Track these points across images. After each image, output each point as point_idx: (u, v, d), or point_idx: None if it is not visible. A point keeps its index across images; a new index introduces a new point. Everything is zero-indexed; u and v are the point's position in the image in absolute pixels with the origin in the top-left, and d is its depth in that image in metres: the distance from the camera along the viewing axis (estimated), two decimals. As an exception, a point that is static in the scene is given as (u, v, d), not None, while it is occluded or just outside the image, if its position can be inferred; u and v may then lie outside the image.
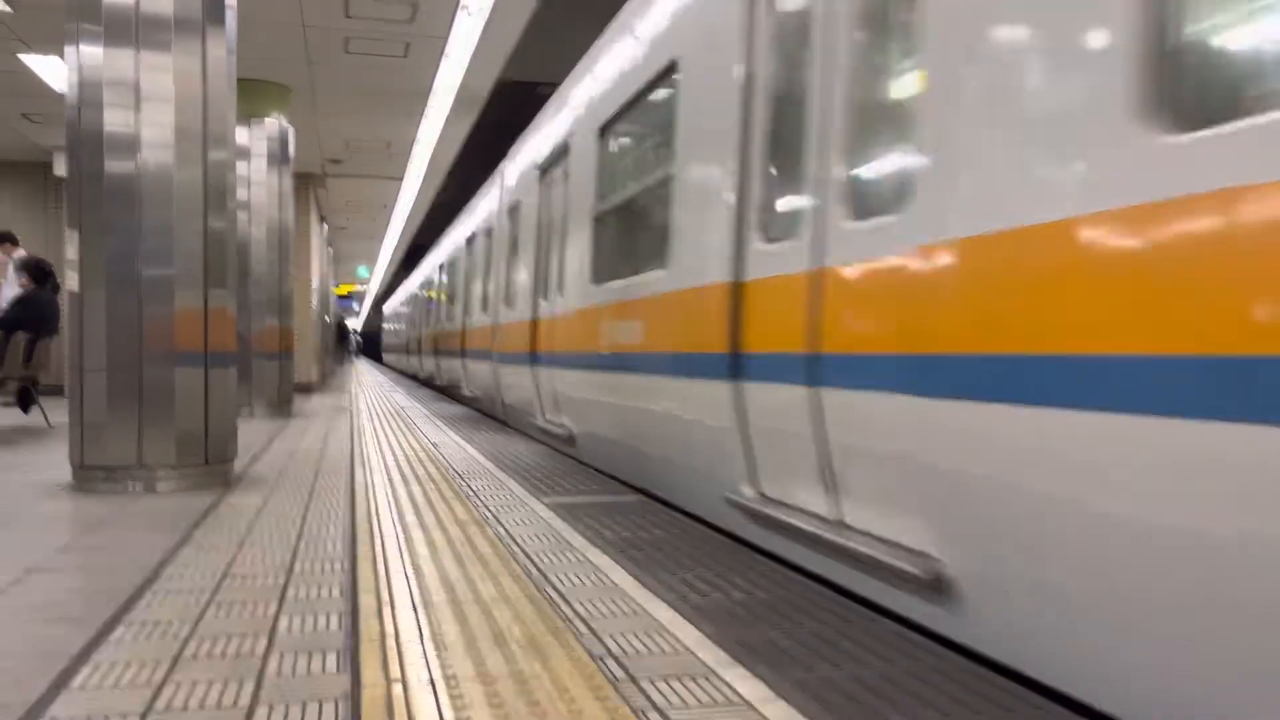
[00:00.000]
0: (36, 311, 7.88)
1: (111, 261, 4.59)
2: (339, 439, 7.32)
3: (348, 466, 5.64)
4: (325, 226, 19.26)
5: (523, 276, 8.30)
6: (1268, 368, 1.57)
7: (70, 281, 4.70)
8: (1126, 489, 1.87)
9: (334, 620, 2.52)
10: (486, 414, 10.37)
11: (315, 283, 15.78)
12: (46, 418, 8.12)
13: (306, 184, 14.20)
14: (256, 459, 6.03)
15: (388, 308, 39.24)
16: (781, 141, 3.47)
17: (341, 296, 36.45)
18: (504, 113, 11.51)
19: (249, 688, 2.01)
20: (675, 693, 2.01)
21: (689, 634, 2.42)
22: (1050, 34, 2.11)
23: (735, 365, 3.59)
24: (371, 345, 56.91)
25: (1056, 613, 2.10)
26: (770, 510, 3.34)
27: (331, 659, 2.21)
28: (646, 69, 4.95)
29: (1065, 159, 2.05)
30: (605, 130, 5.83)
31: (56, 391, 9.31)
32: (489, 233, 10.78)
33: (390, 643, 2.31)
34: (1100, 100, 1.94)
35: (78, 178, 4.64)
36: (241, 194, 8.87)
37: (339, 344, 33.27)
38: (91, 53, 4.57)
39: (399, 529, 3.72)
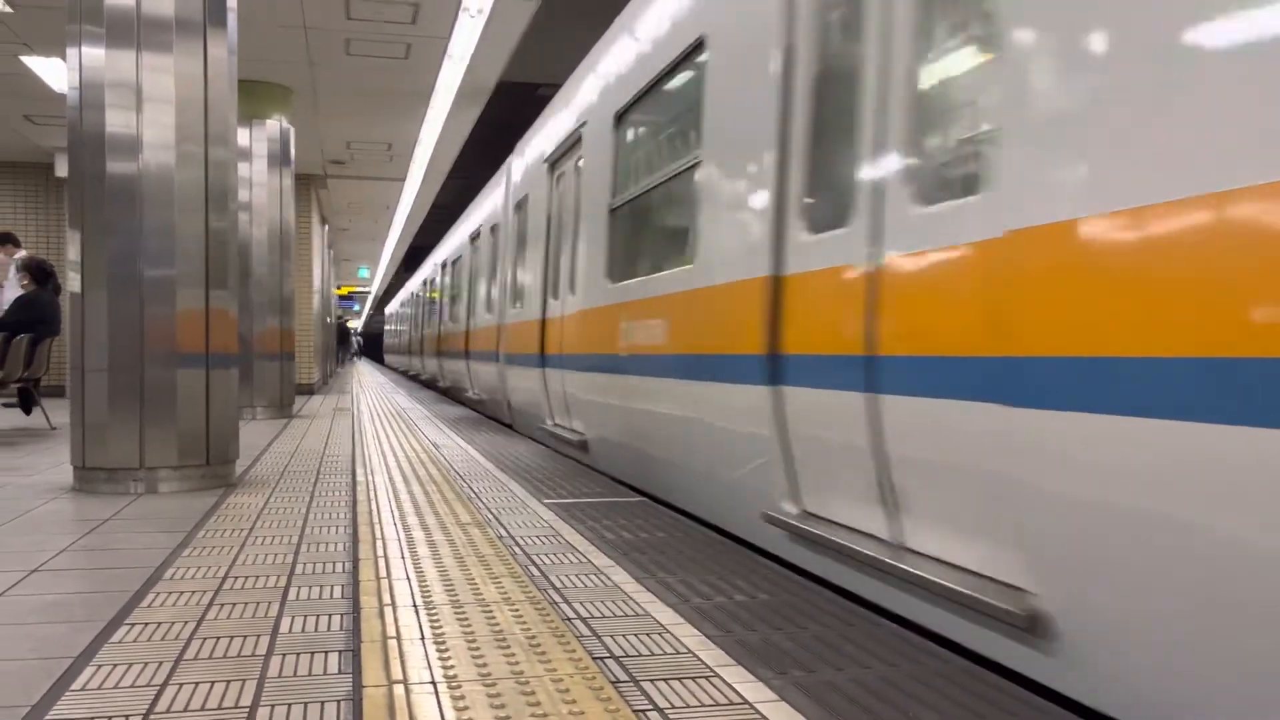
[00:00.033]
0: (38, 313, 7.90)
1: (113, 262, 4.60)
2: (340, 440, 7.32)
3: (349, 467, 5.64)
4: (326, 228, 19.27)
5: (531, 275, 8.05)
6: None
7: (72, 282, 4.71)
8: None
9: (336, 621, 2.52)
10: (492, 417, 10.23)
11: (316, 284, 15.79)
12: (48, 419, 8.13)
13: (308, 185, 14.21)
14: (258, 460, 6.03)
15: (389, 308, 39.27)
16: (830, 120, 3.17)
17: (343, 297, 36.50)
18: (505, 113, 11.54)
19: (251, 688, 2.01)
20: (676, 694, 2.01)
21: (690, 635, 2.41)
22: None
23: (774, 368, 3.31)
24: (373, 346, 56.97)
25: (1194, 662, 1.77)
26: (816, 529, 3.06)
27: (333, 660, 2.21)
28: (669, 48, 4.65)
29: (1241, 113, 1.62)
30: (622, 117, 5.54)
31: (58, 393, 9.32)
32: (495, 229, 10.47)
33: (392, 644, 2.31)
34: None
35: (79, 179, 4.65)
36: (243, 195, 8.88)
37: (340, 345, 33.28)
38: (93, 54, 4.58)
39: (400, 530, 3.72)
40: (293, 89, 10.00)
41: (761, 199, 3.46)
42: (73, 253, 4.68)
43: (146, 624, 2.48)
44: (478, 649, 2.27)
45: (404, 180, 15.25)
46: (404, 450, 6.57)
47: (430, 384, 18.23)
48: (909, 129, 2.65)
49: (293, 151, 10.24)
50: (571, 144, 6.82)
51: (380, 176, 14.89)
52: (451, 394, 14.59)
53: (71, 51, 4.63)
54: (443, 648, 2.28)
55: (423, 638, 2.36)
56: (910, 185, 2.62)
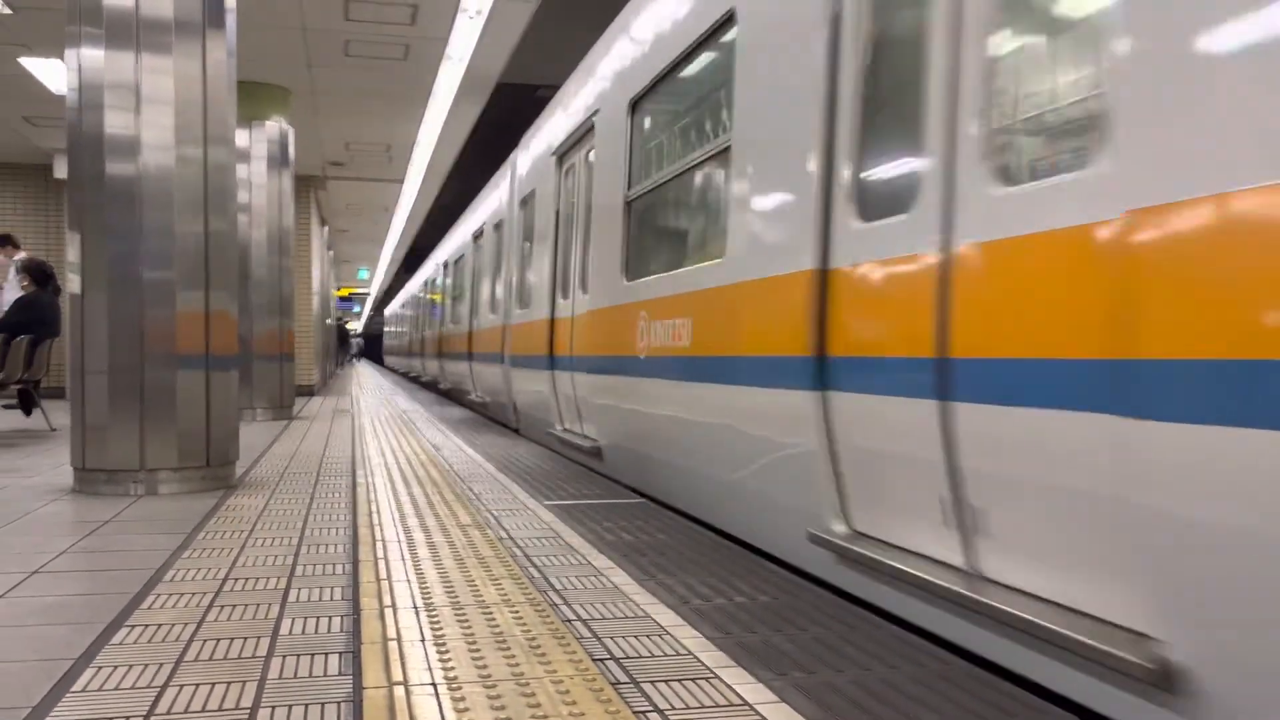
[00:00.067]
0: (38, 314, 7.90)
1: (113, 264, 4.60)
2: (340, 441, 7.32)
3: (349, 469, 5.64)
4: (326, 229, 19.28)
5: (539, 273, 7.71)
6: None
7: (71, 284, 4.71)
8: None
9: (336, 623, 2.52)
10: (496, 420, 9.99)
11: (316, 285, 15.79)
12: (48, 420, 8.13)
13: (307, 186, 14.22)
14: (258, 461, 6.03)
15: (389, 310, 39.26)
16: (884, 96, 2.88)
17: (342, 299, 36.50)
18: (504, 114, 11.54)
19: (251, 690, 2.01)
20: (677, 695, 2.01)
21: (691, 637, 2.41)
22: None
23: (820, 371, 3.01)
24: (373, 348, 56.97)
25: None
26: (872, 552, 2.73)
27: (334, 661, 2.21)
28: (692, 26, 4.33)
29: None
30: (638, 104, 5.20)
31: (58, 394, 9.32)
32: (499, 227, 10.13)
33: (392, 645, 2.31)
34: None
35: (79, 180, 4.65)
36: (242, 196, 8.88)
37: (340, 346, 33.30)
38: (92, 55, 4.58)
39: (401, 531, 3.72)
40: (292, 90, 10.01)
41: (805, 184, 3.14)
42: (72, 254, 4.68)
43: (147, 625, 2.48)
44: (478, 651, 2.27)
45: (403, 181, 15.27)
46: (404, 452, 6.57)
47: (431, 386, 18.20)
48: (984, 100, 2.31)
49: (292, 153, 10.25)
50: (582, 134, 6.50)
51: (379, 178, 14.90)
52: (453, 396, 14.53)
53: (70, 53, 4.63)
54: (443, 649, 2.28)
55: (423, 639, 2.36)
56: (989, 162, 2.31)
